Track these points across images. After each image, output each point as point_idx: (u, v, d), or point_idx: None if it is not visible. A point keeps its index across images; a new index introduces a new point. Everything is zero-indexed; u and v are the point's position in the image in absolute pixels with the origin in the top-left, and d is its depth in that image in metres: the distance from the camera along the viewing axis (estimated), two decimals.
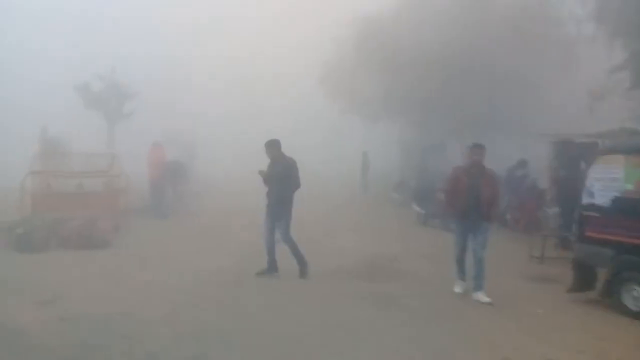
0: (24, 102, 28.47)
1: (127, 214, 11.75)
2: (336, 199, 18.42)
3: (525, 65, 18.36)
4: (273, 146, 7.82)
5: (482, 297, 6.74)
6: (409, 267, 8.80)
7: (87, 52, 28.91)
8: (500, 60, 17.98)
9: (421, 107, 19.86)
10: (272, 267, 7.77)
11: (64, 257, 8.67)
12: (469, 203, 6.78)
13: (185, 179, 14.29)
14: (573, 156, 10.89)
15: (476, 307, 6.62)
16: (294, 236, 7.82)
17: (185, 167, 14.52)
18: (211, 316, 5.87)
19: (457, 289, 7.15)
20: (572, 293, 7.09)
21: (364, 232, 12.30)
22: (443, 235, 12.41)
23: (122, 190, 11.69)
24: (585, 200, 6.85)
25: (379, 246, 10.55)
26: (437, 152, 21.23)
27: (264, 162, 7.94)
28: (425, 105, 19.57)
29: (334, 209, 16.02)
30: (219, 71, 32.84)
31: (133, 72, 21.60)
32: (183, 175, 14.09)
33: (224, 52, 33.27)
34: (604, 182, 6.68)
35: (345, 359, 4.89)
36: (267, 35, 32.72)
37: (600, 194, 6.68)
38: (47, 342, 4.93)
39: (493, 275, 7.31)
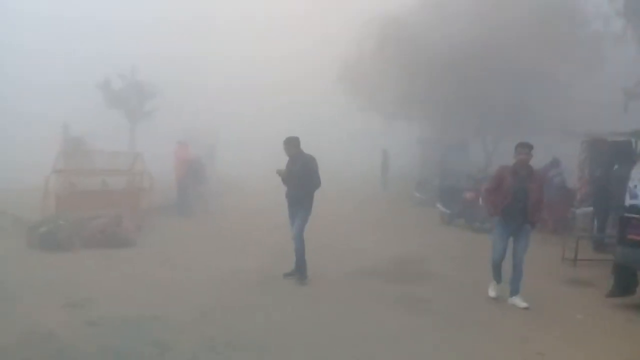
0: (45, 101, 28.73)
1: (150, 212, 11.69)
2: (356, 197, 18.22)
3: (550, 63, 18.04)
4: (292, 143, 7.52)
5: (518, 301, 6.49)
6: (437, 269, 8.58)
7: (107, 51, 29.06)
8: (525, 59, 17.65)
9: (443, 106, 19.57)
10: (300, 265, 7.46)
11: (88, 257, 8.59)
12: (514, 205, 6.45)
13: (205, 178, 14.19)
14: (606, 155, 10.56)
15: (512, 312, 6.39)
16: (317, 235, 7.61)
17: (205, 167, 14.44)
18: (241, 321, 5.71)
19: (492, 293, 6.88)
20: (611, 297, 6.81)
21: (388, 231, 12.11)
22: (469, 235, 12.25)
23: (145, 188, 11.62)
24: (628, 201, 6.57)
25: (405, 247, 10.36)
26: (459, 151, 20.98)
27: (283, 161, 7.72)
28: (447, 104, 19.29)
29: (355, 208, 15.82)
30: (237, 71, 32.76)
31: (152, 72, 21.59)
32: (203, 175, 14.01)
33: (242, 52, 33.20)
34: None
35: None
36: (286, 34, 32.56)
37: None
38: (76, 348, 4.80)
39: (526, 278, 7.04)
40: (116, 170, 11.53)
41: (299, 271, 7.38)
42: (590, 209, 11.23)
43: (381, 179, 21.59)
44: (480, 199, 12.82)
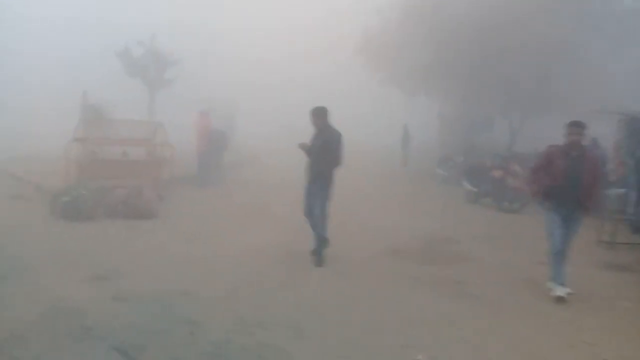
0: (63, 69, 28.51)
1: (171, 183, 11.50)
2: (377, 173, 17.86)
3: (582, 38, 17.37)
4: (320, 115, 6.93)
5: (561, 289, 6.13)
6: (468, 250, 8.28)
7: (124, 19, 28.67)
8: (555, 33, 16.99)
9: (466, 81, 19.00)
10: (323, 243, 7.07)
11: (111, 228, 8.44)
12: (565, 189, 5.93)
13: (225, 149, 13.91)
14: None
15: (553, 298, 6.09)
16: (339, 213, 7.31)
17: (227, 137, 14.15)
18: (271, 299, 5.49)
19: (559, 291, 5.96)
20: None
21: (412, 209, 11.74)
22: (497, 215, 11.92)
23: (166, 158, 11.41)
24: None
25: (431, 226, 10.02)
26: (484, 128, 20.49)
27: (300, 133, 7.36)
28: (471, 79, 18.72)
29: (376, 184, 15.47)
30: (256, 42, 32.20)
31: (172, 41, 21.21)
32: (224, 145, 13.73)
33: (262, 22, 32.59)
34: None
35: (426, 352, 4.44)
36: (306, 4, 31.81)
37: None
38: (103, 325, 4.59)
39: None
40: (138, 139, 11.30)
41: (319, 246, 7.02)
42: (623, 190, 10.80)
43: (402, 154, 21.13)
44: (509, 178, 12.50)
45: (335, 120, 7.15)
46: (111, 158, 11.20)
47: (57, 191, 9.36)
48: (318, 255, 6.98)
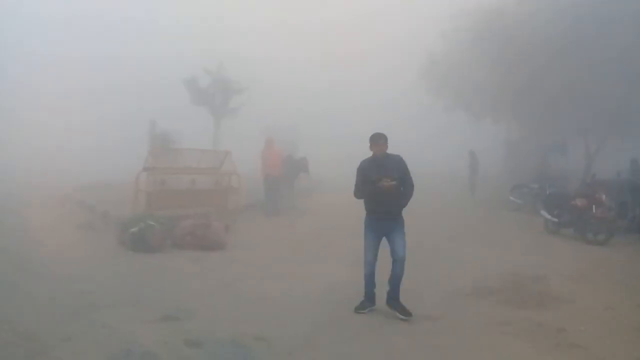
0: (134, 100, 29.53)
1: (238, 212, 11.32)
2: (445, 202, 17.12)
3: None
4: (382, 140, 6.05)
5: None
6: (559, 289, 7.48)
7: (190, 51, 29.51)
8: (632, 55, 15.96)
9: (539, 103, 18.10)
10: (371, 299, 6.21)
11: (179, 260, 8.26)
12: None
13: (307, 173, 13.71)
14: None
15: None
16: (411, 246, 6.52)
17: (304, 162, 13.88)
18: (355, 350, 4.98)
19: None
20: None
21: (488, 242, 10.93)
22: (582, 247, 10.99)
23: (234, 188, 11.27)
24: None
25: (513, 259, 9.22)
26: (558, 153, 19.42)
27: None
28: (543, 101, 17.82)
29: (444, 214, 14.74)
30: (319, 70, 32.39)
31: (236, 71, 21.50)
32: (297, 172, 13.54)
33: (326, 50, 32.81)
34: None
35: None
36: (369, 31, 31.80)
37: None
38: None
39: None
40: (206, 168, 11.23)
41: (395, 302, 6.06)
42: None
43: (470, 182, 20.25)
44: (594, 207, 11.53)
45: (398, 145, 6.62)
46: (179, 188, 11.15)
47: (126, 221, 9.32)
48: (399, 306, 6.03)
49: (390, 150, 6.23)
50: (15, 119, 29.48)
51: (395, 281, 6.06)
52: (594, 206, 11.61)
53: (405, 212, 6.24)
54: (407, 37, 27.80)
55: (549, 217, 12.57)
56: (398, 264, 6.03)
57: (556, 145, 19.33)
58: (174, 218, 9.60)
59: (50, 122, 30.58)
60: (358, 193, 6.19)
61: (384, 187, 5.86)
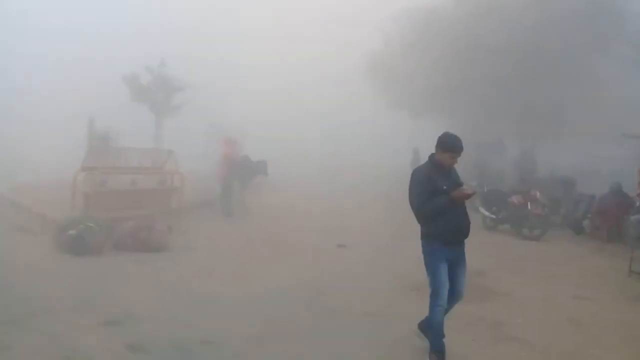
0: (74, 99, 28.40)
1: (181, 213, 11.10)
2: (392, 199, 17.34)
3: (593, 61, 17.19)
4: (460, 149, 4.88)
5: None
6: (496, 283, 7.79)
7: (135, 50, 28.69)
8: (566, 57, 16.82)
9: (476, 102, 18.71)
10: (443, 355, 4.74)
11: (122, 263, 8.01)
12: None
13: (266, 176, 13.59)
14: None
15: (606, 339, 5.61)
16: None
17: (264, 165, 13.72)
18: (303, 352, 4.96)
19: None
20: None
21: None
22: (518, 243, 11.47)
23: (177, 187, 11.05)
24: None
25: None
26: (496, 151, 20.07)
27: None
28: (480, 101, 18.45)
29: (394, 210, 14.96)
30: (265, 74, 32.18)
31: (179, 70, 21.06)
32: (264, 173, 13.43)
33: (271, 55, 32.67)
34: None
35: None
36: (315, 36, 31.91)
37: None
38: None
39: (592, 294, 6.26)
40: (148, 168, 10.95)
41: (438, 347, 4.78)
42: None
43: None
44: (529, 204, 12.05)
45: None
46: (120, 188, 10.83)
47: (64, 224, 8.94)
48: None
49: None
50: None
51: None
52: (529, 203, 12.16)
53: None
54: (355, 39, 28.05)
55: (487, 213, 13.04)
56: (455, 303, 4.99)
57: (493, 144, 19.97)
58: (115, 219, 9.30)
59: None
60: (427, 207, 4.75)
61: (465, 196, 4.73)
